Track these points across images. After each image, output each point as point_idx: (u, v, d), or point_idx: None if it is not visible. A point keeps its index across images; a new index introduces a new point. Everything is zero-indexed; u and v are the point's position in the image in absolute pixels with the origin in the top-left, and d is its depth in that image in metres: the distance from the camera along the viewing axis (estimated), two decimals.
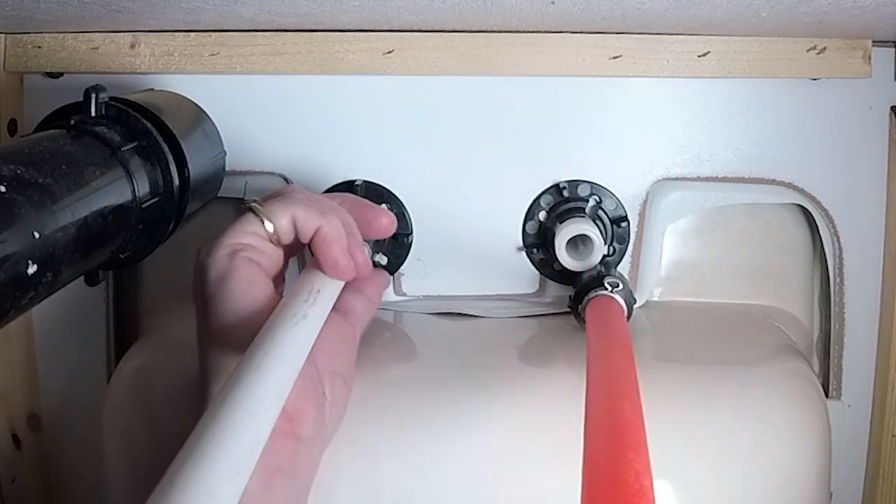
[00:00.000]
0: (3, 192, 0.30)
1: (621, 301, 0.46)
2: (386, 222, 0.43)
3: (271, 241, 0.38)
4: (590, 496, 0.28)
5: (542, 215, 0.56)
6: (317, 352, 0.35)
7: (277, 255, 0.38)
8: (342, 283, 0.39)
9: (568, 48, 0.54)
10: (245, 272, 0.36)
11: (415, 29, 0.53)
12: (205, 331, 0.36)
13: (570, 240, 0.51)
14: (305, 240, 0.38)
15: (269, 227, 0.37)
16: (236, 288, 0.35)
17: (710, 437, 0.43)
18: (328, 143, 0.56)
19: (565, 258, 0.51)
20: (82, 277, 0.38)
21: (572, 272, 0.52)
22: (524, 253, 0.57)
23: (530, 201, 0.56)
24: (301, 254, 0.45)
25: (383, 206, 0.55)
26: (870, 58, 0.54)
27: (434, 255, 0.57)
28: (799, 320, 0.59)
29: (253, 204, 0.38)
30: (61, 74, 0.56)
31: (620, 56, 0.54)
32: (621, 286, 0.47)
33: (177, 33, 0.54)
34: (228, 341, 0.35)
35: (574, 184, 0.56)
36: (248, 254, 0.36)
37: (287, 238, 0.38)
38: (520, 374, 0.47)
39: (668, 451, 0.41)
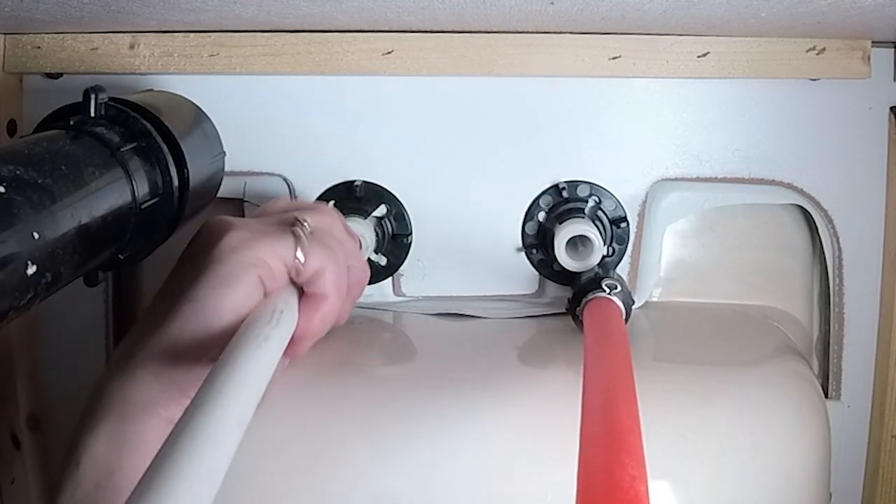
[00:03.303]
0: (3, 193, 0.30)
1: (619, 303, 0.46)
2: None
3: (286, 270, 0.36)
4: (584, 500, 0.28)
5: (541, 216, 0.56)
6: None
7: (284, 283, 0.36)
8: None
9: (567, 49, 0.54)
10: (251, 293, 0.34)
11: (414, 29, 0.53)
12: (158, 316, 0.35)
13: (569, 240, 0.51)
14: (307, 288, 0.37)
15: (299, 264, 0.36)
16: (231, 304, 0.34)
17: (709, 438, 0.43)
18: (328, 144, 0.56)
19: (565, 259, 0.51)
20: (82, 278, 0.38)
21: (572, 273, 0.52)
22: (523, 253, 0.57)
23: (530, 202, 0.56)
24: None
25: (382, 206, 0.55)
26: (869, 58, 0.54)
27: (433, 255, 0.57)
28: (798, 321, 0.59)
29: (301, 230, 0.36)
30: (60, 75, 0.56)
31: (620, 56, 0.54)
32: (619, 288, 0.47)
33: (176, 34, 0.54)
34: (177, 350, 0.33)
35: (573, 184, 0.56)
36: (264, 273, 0.35)
37: (296, 276, 0.37)
38: (519, 374, 0.47)
39: (666, 452, 0.41)
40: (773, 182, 0.57)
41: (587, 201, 0.55)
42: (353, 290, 0.41)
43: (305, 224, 0.37)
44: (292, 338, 0.35)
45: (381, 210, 0.55)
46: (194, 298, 0.34)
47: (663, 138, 0.56)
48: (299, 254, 0.36)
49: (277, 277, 0.36)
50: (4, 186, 0.30)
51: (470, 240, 0.57)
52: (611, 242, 0.56)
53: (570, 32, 0.54)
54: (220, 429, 0.26)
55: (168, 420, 0.34)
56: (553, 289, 0.57)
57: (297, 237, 0.36)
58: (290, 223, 0.37)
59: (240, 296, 0.34)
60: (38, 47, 0.54)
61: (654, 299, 0.59)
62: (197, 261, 0.36)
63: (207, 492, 0.24)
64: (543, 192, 0.56)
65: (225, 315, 0.34)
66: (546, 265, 0.56)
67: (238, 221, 0.37)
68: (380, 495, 0.41)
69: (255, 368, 0.30)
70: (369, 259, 0.52)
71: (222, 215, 0.38)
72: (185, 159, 0.44)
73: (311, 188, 0.56)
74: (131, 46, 0.54)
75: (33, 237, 0.30)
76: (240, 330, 0.32)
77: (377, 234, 0.53)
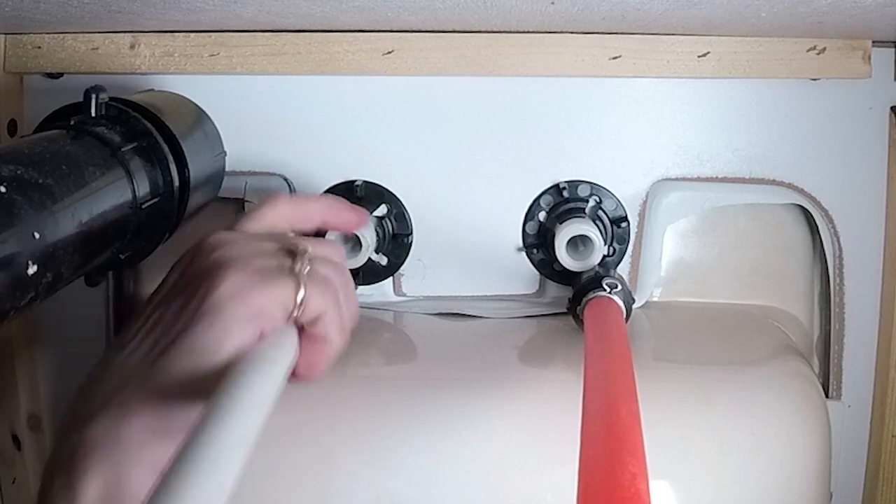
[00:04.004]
0: (4, 193, 0.30)
1: (620, 302, 0.46)
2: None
3: (287, 314, 0.34)
4: (585, 498, 0.28)
5: (542, 215, 0.56)
6: None
7: (282, 324, 0.35)
8: None
9: (568, 48, 0.54)
10: (248, 341, 0.33)
11: (415, 29, 0.53)
12: (146, 356, 0.33)
13: (570, 240, 0.51)
14: (308, 328, 0.35)
15: (296, 312, 0.34)
16: (228, 353, 0.32)
17: (710, 438, 0.43)
18: (328, 143, 0.56)
19: (565, 258, 0.51)
20: (82, 278, 0.38)
21: (572, 272, 0.52)
22: (524, 253, 0.57)
23: (530, 201, 0.56)
24: None
25: (383, 206, 0.55)
26: (870, 58, 0.54)
27: (434, 255, 0.57)
28: (799, 320, 0.59)
29: (301, 266, 0.35)
30: (61, 75, 0.56)
31: (620, 56, 0.54)
32: (620, 287, 0.47)
33: (177, 34, 0.54)
34: (169, 385, 0.32)
35: (574, 184, 0.56)
36: (265, 324, 0.33)
37: (296, 318, 0.35)
38: (519, 374, 0.47)
39: (668, 452, 0.42)
40: (773, 182, 0.57)
41: (588, 201, 0.55)
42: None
43: (306, 257, 0.35)
44: (297, 373, 0.35)
45: (382, 210, 0.55)
46: (190, 348, 0.32)
47: (664, 138, 0.56)
48: (300, 298, 0.34)
49: (277, 322, 0.34)
50: (5, 186, 0.30)
51: (470, 239, 0.57)
52: (611, 242, 0.56)
53: (571, 32, 0.54)
54: (225, 449, 0.26)
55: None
56: (553, 288, 0.57)
57: (297, 278, 0.35)
58: (290, 260, 0.35)
59: (237, 344, 0.33)
60: (39, 47, 0.54)
61: (655, 299, 0.59)
62: (188, 300, 0.34)
63: None
64: (544, 192, 0.56)
65: (222, 364, 0.32)
66: (546, 265, 0.56)
67: (234, 255, 0.35)
68: (380, 495, 0.41)
69: (259, 390, 0.29)
70: (370, 259, 0.52)
71: (219, 232, 0.36)
72: (185, 159, 0.44)
73: (312, 188, 0.56)
74: (132, 46, 0.54)
75: (34, 237, 0.30)
76: (244, 355, 0.32)
77: (378, 234, 0.53)
